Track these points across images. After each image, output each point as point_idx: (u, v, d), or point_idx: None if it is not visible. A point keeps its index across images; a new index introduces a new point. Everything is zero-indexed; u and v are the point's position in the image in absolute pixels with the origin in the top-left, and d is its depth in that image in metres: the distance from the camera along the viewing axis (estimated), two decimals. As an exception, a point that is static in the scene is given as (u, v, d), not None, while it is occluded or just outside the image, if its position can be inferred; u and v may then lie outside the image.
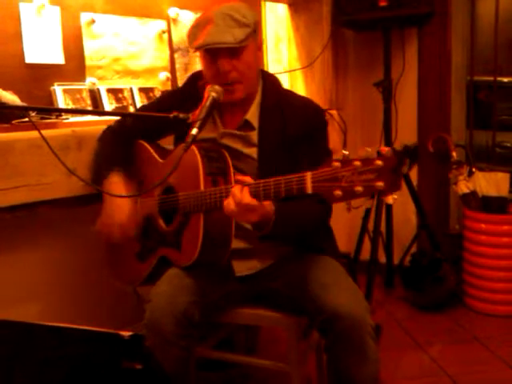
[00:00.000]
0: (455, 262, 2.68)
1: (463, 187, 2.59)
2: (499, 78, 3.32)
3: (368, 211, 2.61)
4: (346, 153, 1.08)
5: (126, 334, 0.82)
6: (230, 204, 1.25)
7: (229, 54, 1.43)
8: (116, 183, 1.54)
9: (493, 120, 3.18)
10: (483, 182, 2.60)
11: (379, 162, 1.03)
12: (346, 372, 1.37)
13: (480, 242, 2.55)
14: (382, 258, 2.84)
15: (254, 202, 1.23)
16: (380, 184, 1.02)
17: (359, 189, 1.04)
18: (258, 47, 1.52)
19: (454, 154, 2.61)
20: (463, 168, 2.60)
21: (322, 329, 1.39)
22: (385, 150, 1.05)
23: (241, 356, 1.82)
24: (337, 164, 1.07)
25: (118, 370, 0.90)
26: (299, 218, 1.42)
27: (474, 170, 2.62)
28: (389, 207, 2.81)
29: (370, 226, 2.61)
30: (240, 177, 1.30)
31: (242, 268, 1.54)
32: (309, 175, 1.12)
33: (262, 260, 1.55)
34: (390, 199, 1.07)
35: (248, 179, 1.29)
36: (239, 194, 1.24)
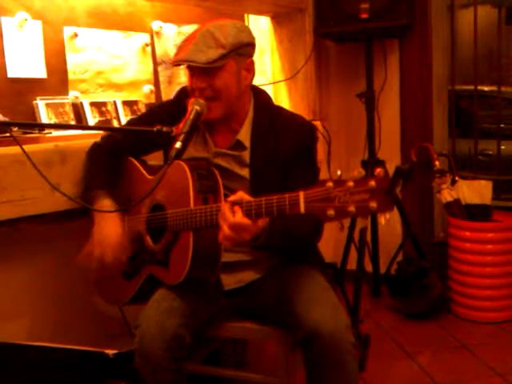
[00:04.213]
0: (441, 269, 2.70)
1: (447, 195, 2.62)
2: (480, 87, 3.38)
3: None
4: (339, 173, 1.08)
5: (110, 352, 0.80)
6: (222, 227, 1.24)
7: (203, 73, 1.43)
8: (104, 205, 1.51)
9: (475, 128, 3.23)
10: (466, 190, 2.64)
11: (372, 183, 1.03)
12: None
13: (465, 249, 2.57)
14: (369, 267, 2.85)
15: (245, 220, 1.22)
16: (373, 205, 1.03)
17: (352, 209, 1.04)
18: (246, 68, 1.49)
19: (437, 162, 2.64)
20: (446, 177, 2.62)
21: (302, 345, 1.37)
22: (378, 171, 1.05)
23: (230, 370, 1.81)
24: (330, 184, 1.07)
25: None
26: (293, 230, 1.41)
27: (457, 178, 2.65)
28: (374, 216, 2.82)
29: (356, 235, 2.63)
30: (232, 197, 1.29)
31: (230, 281, 1.54)
32: (301, 195, 1.12)
33: (250, 273, 1.55)
34: (382, 220, 1.07)
35: (240, 194, 1.28)
36: (229, 214, 1.22)
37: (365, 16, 2.50)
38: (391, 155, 2.90)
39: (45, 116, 2.02)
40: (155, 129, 1.34)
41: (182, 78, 2.53)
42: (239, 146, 1.53)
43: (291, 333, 1.42)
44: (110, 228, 1.49)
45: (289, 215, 1.15)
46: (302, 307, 1.37)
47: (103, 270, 1.53)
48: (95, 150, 1.65)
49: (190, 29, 2.53)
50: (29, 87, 2.02)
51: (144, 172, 1.60)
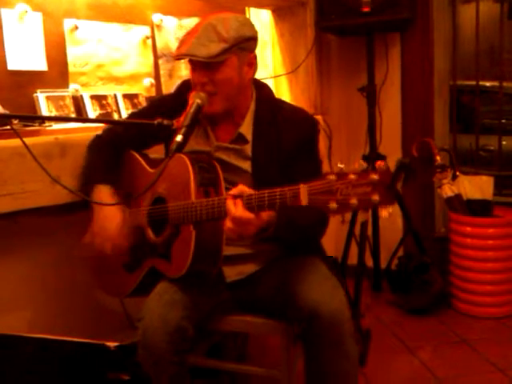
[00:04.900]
0: (442, 264, 2.69)
1: (447, 191, 2.61)
2: (481, 83, 3.37)
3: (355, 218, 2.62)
4: (341, 166, 1.08)
5: (112, 344, 0.80)
6: (225, 220, 1.24)
7: (204, 67, 1.42)
8: (104, 194, 1.52)
9: (476, 124, 3.22)
10: (467, 185, 2.63)
11: (374, 176, 1.03)
12: (325, 369, 1.37)
13: (466, 244, 2.57)
14: (370, 263, 2.84)
15: (248, 214, 1.22)
16: (375, 197, 1.03)
17: (354, 202, 1.04)
18: (248, 62, 1.48)
19: (438, 157, 2.63)
20: (447, 172, 2.62)
21: (302, 326, 1.37)
22: (379, 163, 1.05)
23: (232, 363, 1.81)
24: (332, 177, 1.07)
25: (103, 381, 0.88)
26: (301, 221, 1.41)
27: (457, 173, 2.65)
28: (375, 211, 2.82)
29: (357, 230, 2.62)
30: (233, 191, 1.28)
31: (232, 273, 1.54)
32: (304, 188, 1.11)
33: (251, 265, 1.55)
34: (384, 213, 1.06)
35: (240, 188, 1.27)
36: (231, 207, 1.23)
37: (366, 10, 2.48)
38: (392, 150, 2.89)
39: (45, 109, 2.01)
40: (156, 122, 1.33)
41: (183, 71, 2.52)
42: (241, 139, 1.52)
43: (291, 317, 1.42)
44: (109, 218, 1.49)
45: (295, 207, 1.15)
46: (302, 290, 1.38)
47: (103, 259, 1.53)
48: (96, 143, 1.65)
49: (190, 22, 2.52)
50: (29, 80, 2.01)
51: (145, 165, 1.60)
